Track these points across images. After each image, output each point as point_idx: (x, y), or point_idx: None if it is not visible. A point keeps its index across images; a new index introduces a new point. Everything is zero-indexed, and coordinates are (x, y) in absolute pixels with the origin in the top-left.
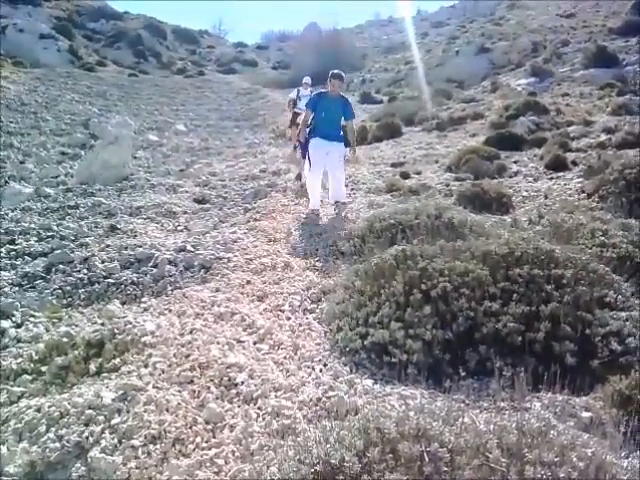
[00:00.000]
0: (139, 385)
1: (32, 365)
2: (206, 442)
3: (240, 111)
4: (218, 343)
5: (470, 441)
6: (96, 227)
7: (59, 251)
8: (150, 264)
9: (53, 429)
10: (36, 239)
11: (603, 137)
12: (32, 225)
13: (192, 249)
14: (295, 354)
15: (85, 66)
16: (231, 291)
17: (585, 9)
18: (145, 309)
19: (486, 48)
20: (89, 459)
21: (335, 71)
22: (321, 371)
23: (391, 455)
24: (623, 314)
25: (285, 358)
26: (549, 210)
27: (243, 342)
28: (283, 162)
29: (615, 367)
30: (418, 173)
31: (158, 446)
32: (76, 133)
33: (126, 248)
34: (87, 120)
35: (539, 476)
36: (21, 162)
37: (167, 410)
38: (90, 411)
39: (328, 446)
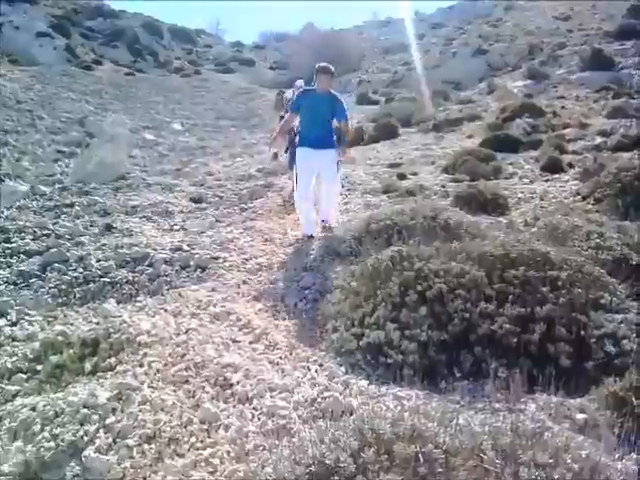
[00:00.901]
0: (134, 384)
1: (27, 364)
2: (201, 442)
3: (237, 111)
4: (214, 343)
5: (465, 442)
6: (92, 226)
7: (54, 250)
8: (146, 263)
9: (48, 428)
10: (31, 237)
11: (599, 140)
12: (27, 223)
13: (188, 248)
14: (291, 354)
15: (82, 64)
16: (227, 291)
17: (581, 12)
18: (141, 308)
19: (483, 50)
20: (84, 458)
21: (322, 64)
22: (317, 371)
23: (386, 456)
24: (618, 316)
25: (281, 358)
26: (545, 212)
27: (239, 342)
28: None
29: (610, 369)
30: (414, 174)
31: (153, 446)
32: (72, 131)
33: (122, 247)
34: (83, 118)
35: (533, 477)
36: (17, 160)
37: (162, 410)
38: (85, 410)
39: (323, 446)
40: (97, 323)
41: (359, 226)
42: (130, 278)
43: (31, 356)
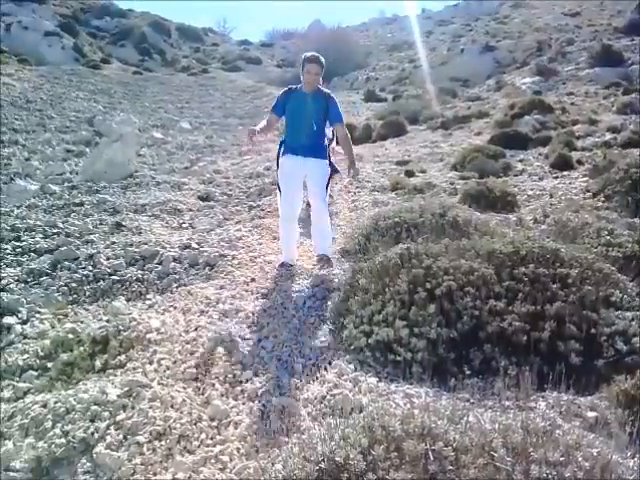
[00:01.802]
0: (144, 382)
1: (38, 361)
2: (211, 439)
3: (244, 109)
4: (223, 340)
5: (475, 440)
6: (101, 224)
7: (64, 248)
8: (155, 261)
9: (59, 425)
10: (42, 236)
11: (608, 136)
12: (38, 222)
13: (197, 246)
14: (299, 352)
15: (90, 64)
16: (236, 288)
17: (590, 8)
18: (150, 306)
19: (491, 47)
20: (94, 455)
21: (309, 54)
22: (326, 369)
23: (396, 453)
24: (629, 314)
25: (289, 356)
26: (554, 209)
27: (248, 339)
28: None
29: (621, 367)
30: (423, 171)
31: (163, 442)
32: (81, 130)
33: (131, 245)
34: (92, 118)
35: (544, 475)
36: (26, 159)
37: (172, 407)
38: (95, 407)
39: (333, 443)
40: (107, 321)
41: (367, 223)
42: (139, 276)
43: (42, 353)
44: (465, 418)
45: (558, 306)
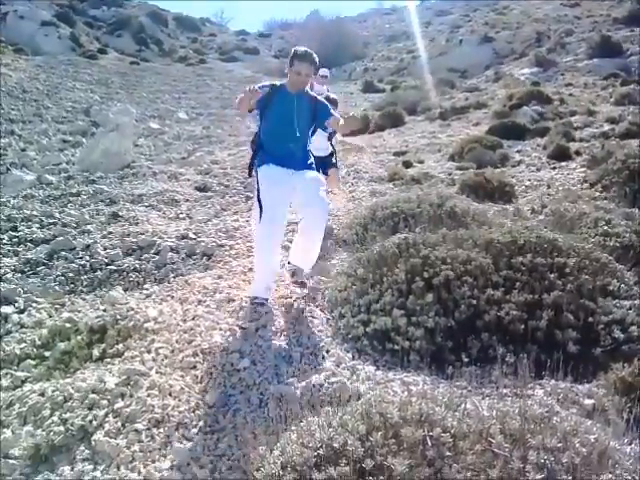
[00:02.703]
0: (142, 370)
1: (35, 350)
2: (209, 426)
3: None
4: (220, 329)
5: (473, 426)
6: (98, 214)
7: (61, 238)
8: (152, 251)
9: (57, 413)
10: (38, 226)
11: (606, 127)
12: (34, 212)
13: (194, 236)
14: (297, 341)
15: (86, 54)
16: (233, 278)
17: None
18: (147, 296)
19: (489, 37)
20: (93, 442)
21: (300, 49)
22: (323, 358)
23: (394, 440)
24: (626, 302)
25: (287, 345)
26: (552, 199)
27: (245, 329)
28: None
29: (618, 355)
30: (421, 162)
31: (161, 430)
32: (77, 121)
33: (128, 235)
34: (88, 108)
35: (542, 461)
36: (22, 149)
37: (170, 395)
38: (94, 395)
39: (331, 430)
40: (104, 310)
41: (365, 214)
42: (137, 266)
43: (39, 343)
44: (463, 405)
45: (556, 295)
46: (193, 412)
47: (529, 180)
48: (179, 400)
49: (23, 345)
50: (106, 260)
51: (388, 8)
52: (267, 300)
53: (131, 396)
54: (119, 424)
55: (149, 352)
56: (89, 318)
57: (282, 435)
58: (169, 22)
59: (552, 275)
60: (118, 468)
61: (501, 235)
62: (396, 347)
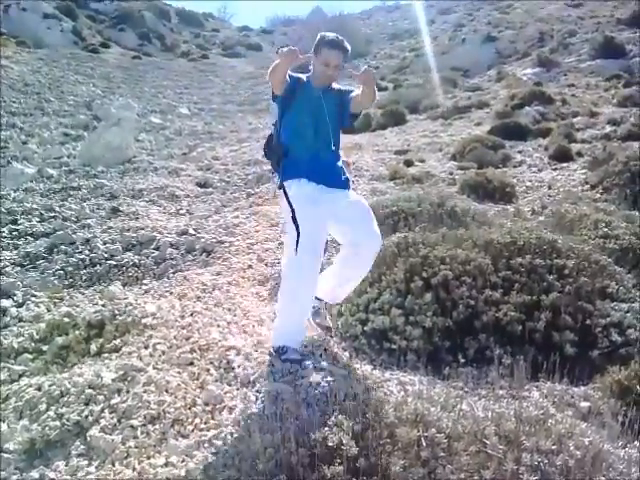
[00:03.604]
0: (139, 366)
1: (33, 344)
2: (205, 423)
3: (244, 95)
4: (218, 326)
5: (468, 427)
6: (98, 209)
7: (61, 232)
8: (152, 247)
9: (53, 408)
10: (38, 220)
11: (608, 129)
12: (34, 206)
13: (194, 233)
14: None
15: (88, 47)
16: (232, 275)
17: None
18: (146, 291)
19: (492, 37)
20: (88, 438)
21: (330, 35)
22: (321, 356)
23: (389, 439)
24: (624, 305)
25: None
26: (552, 200)
27: (243, 325)
28: None
29: (615, 358)
30: (422, 161)
31: (157, 426)
32: (79, 114)
33: (128, 230)
34: (90, 102)
35: (536, 463)
36: (24, 143)
37: (167, 391)
38: (90, 390)
39: (326, 429)
40: (103, 305)
41: None
42: (136, 261)
43: (37, 337)
44: (458, 406)
45: (554, 297)
46: (189, 409)
47: (530, 181)
48: (175, 397)
49: (21, 339)
50: (105, 255)
51: (391, 6)
52: (299, 358)
53: (127, 392)
54: (115, 420)
55: (146, 348)
56: (87, 313)
57: (277, 433)
58: (172, 17)
59: (551, 276)
60: (113, 464)
61: (501, 236)
62: (393, 346)
